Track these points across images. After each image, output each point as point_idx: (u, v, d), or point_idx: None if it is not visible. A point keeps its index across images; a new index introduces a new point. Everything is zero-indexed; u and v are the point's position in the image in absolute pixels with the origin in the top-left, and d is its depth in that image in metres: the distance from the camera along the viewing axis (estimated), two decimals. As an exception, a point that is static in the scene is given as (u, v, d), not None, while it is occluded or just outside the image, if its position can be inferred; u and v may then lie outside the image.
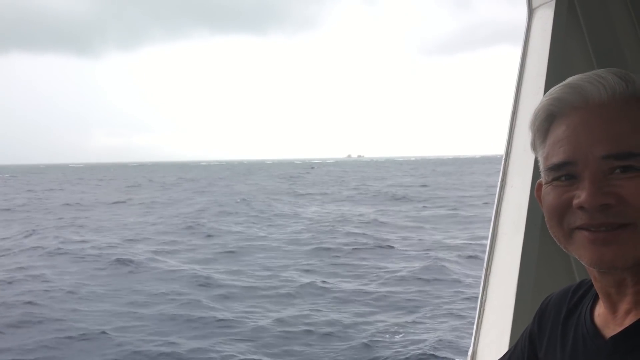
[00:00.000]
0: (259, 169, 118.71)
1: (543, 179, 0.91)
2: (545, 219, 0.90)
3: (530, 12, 2.00)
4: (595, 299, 0.95)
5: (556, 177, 0.86)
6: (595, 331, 0.90)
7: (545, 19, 1.91)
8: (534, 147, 0.94)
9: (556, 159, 0.86)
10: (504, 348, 1.75)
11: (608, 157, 0.80)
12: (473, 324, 1.92)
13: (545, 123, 0.90)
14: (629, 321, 0.85)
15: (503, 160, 2.03)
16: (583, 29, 1.89)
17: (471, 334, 1.92)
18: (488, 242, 1.97)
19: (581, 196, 0.81)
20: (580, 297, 1.00)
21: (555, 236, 0.89)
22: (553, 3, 1.90)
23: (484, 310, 1.90)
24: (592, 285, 0.97)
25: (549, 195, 0.87)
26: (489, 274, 1.94)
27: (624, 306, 0.87)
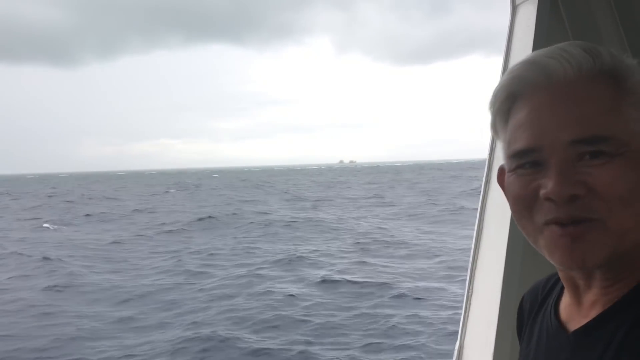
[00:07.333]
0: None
1: (506, 165, 0.83)
2: (511, 210, 0.82)
3: (514, 8, 2.01)
4: (561, 291, 0.91)
5: (520, 165, 0.79)
6: (558, 325, 0.85)
7: (528, 15, 1.92)
8: (494, 130, 0.86)
9: (519, 145, 0.78)
10: (490, 342, 1.76)
11: (576, 142, 0.73)
12: (459, 318, 1.93)
13: (506, 103, 0.82)
14: (594, 313, 0.79)
15: (487, 157, 2.04)
16: (566, 26, 1.91)
17: (457, 328, 1.93)
18: (473, 238, 1.98)
19: (548, 186, 0.74)
20: (549, 290, 0.96)
21: (524, 229, 0.82)
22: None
23: (470, 304, 1.91)
24: (560, 278, 0.94)
25: (514, 185, 0.80)
26: (475, 268, 1.94)
27: (590, 297, 0.81)
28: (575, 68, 0.76)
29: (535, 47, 1.89)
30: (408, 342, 9.15)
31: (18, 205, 44.66)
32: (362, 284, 12.95)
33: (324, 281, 13.32)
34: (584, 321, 0.80)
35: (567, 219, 0.74)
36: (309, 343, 9.27)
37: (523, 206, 0.79)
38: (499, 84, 0.83)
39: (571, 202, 0.73)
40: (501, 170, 0.87)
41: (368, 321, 10.28)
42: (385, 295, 11.97)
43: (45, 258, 17.01)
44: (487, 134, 2.09)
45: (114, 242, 21.21)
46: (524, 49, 1.94)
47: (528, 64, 0.80)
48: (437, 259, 15.88)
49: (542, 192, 0.75)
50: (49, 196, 55.91)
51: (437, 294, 11.96)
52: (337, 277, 13.70)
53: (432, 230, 22.14)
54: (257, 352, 8.96)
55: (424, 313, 10.60)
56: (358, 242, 19.10)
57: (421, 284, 12.97)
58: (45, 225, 27.60)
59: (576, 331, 0.81)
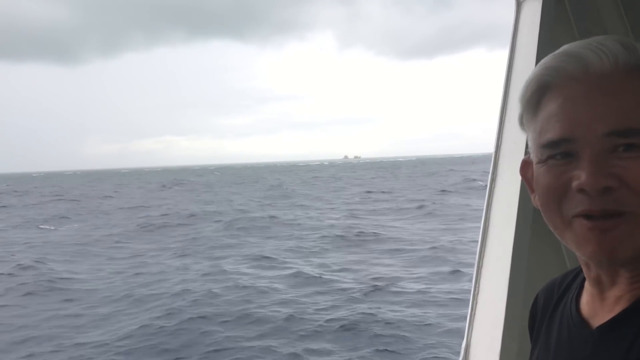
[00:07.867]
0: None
1: (534, 156, 0.82)
2: (540, 202, 0.81)
3: (518, 4, 2.00)
4: (581, 288, 0.89)
5: (551, 155, 0.77)
6: (581, 321, 0.84)
7: (533, 11, 1.91)
8: (521, 122, 0.86)
9: (551, 135, 0.77)
10: (497, 340, 1.76)
11: (611, 134, 0.72)
12: (466, 316, 1.93)
13: (536, 95, 0.81)
14: (618, 309, 0.78)
15: (493, 154, 2.03)
16: (571, 21, 1.90)
17: (464, 327, 1.93)
18: (480, 236, 1.98)
19: (581, 177, 0.73)
20: (566, 287, 0.94)
21: (552, 221, 0.80)
22: None
23: (476, 303, 1.91)
24: (577, 275, 0.92)
25: (544, 176, 0.79)
26: (481, 267, 1.94)
27: (614, 293, 0.80)
28: (611, 60, 0.75)
29: (540, 43, 1.88)
30: (373, 330, 9.26)
31: (18, 202, 44.91)
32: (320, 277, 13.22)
33: (295, 275, 13.50)
34: (608, 316, 0.79)
35: (598, 212, 0.73)
36: (273, 336, 9.28)
37: (553, 197, 0.78)
38: (531, 74, 0.82)
39: (604, 194, 0.72)
40: (525, 163, 0.86)
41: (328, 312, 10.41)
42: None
43: (38, 260, 17.05)
44: (491, 130, 2.08)
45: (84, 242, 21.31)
46: (528, 45, 1.93)
47: (562, 55, 0.79)
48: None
49: (574, 183, 0.74)
50: (52, 194, 56.52)
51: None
52: (306, 270, 13.96)
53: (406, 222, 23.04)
54: (228, 342, 9.01)
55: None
56: (324, 236, 19.54)
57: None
58: (42, 226, 27.67)
59: (601, 326, 0.80)
